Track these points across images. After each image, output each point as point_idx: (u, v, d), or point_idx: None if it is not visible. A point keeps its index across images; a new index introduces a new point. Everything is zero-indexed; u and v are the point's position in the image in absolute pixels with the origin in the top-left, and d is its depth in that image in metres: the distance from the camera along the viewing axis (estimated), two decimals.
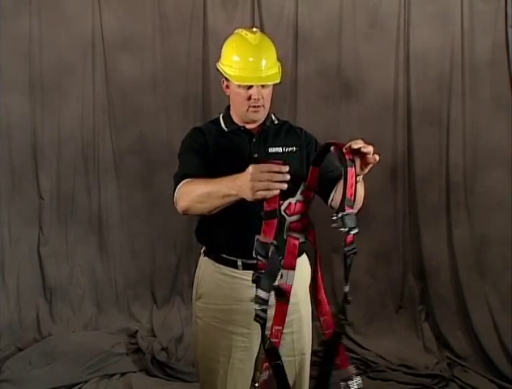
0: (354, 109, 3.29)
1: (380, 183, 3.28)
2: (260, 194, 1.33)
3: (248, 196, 1.36)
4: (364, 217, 3.30)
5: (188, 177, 1.61)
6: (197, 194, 1.54)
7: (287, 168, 1.31)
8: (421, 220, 3.27)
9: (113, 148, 3.37)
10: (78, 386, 2.81)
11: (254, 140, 1.74)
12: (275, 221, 1.38)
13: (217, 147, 1.72)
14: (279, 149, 1.73)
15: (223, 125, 1.78)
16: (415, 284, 3.29)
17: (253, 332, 1.70)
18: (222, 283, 1.73)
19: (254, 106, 1.70)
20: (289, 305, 1.64)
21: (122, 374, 2.93)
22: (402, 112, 3.27)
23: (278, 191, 1.32)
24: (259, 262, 1.37)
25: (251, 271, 1.62)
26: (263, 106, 1.72)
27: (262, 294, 1.36)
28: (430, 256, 3.25)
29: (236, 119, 1.77)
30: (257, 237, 1.37)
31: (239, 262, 1.70)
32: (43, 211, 3.34)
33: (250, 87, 1.69)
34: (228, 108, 1.80)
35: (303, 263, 1.78)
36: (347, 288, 1.43)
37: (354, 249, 1.37)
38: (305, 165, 1.72)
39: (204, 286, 1.77)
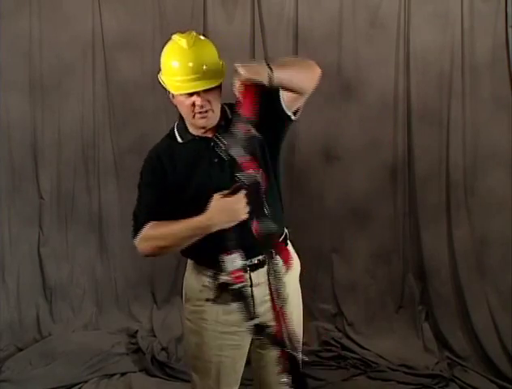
0: (354, 108, 3.29)
1: (380, 183, 3.28)
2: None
3: (225, 225, 1.53)
4: (364, 217, 3.33)
5: (149, 220, 1.68)
6: (171, 240, 1.63)
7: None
8: (421, 220, 3.26)
9: (113, 148, 3.37)
10: (78, 386, 2.81)
11: (212, 144, 1.67)
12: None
13: (175, 162, 1.69)
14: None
15: (178, 137, 1.73)
16: (415, 284, 3.29)
17: (242, 330, 1.69)
18: (208, 284, 1.71)
19: (200, 112, 1.61)
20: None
21: (122, 374, 2.93)
22: (402, 112, 3.26)
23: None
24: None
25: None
26: (212, 110, 1.63)
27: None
28: (430, 256, 3.25)
29: (190, 128, 1.71)
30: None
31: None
32: (43, 211, 3.34)
33: (192, 94, 1.60)
34: (180, 120, 1.74)
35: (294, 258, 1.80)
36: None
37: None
38: (268, 131, 1.62)
39: (191, 289, 1.77)
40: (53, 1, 3.28)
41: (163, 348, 3.10)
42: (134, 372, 2.95)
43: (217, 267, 1.62)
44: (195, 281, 1.76)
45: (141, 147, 3.33)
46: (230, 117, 1.69)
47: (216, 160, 1.66)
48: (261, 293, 1.70)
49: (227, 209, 1.53)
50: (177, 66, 1.61)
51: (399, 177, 3.30)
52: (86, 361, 2.96)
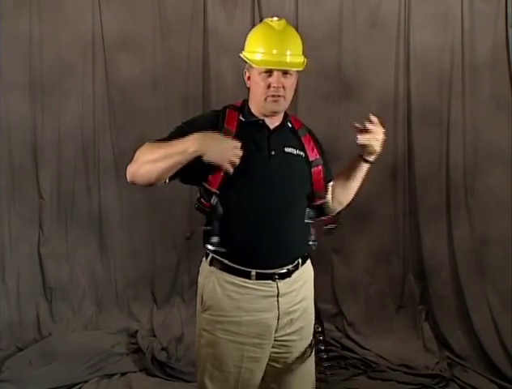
0: (354, 108, 3.29)
1: (380, 183, 3.27)
2: (228, 166, 1.55)
3: (214, 157, 1.54)
4: (364, 217, 3.33)
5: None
6: (156, 152, 1.57)
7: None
8: (421, 220, 3.26)
9: (113, 148, 3.37)
10: (78, 386, 2.81)
11: (272, 137, 1.68)
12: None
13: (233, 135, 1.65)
14: (294, 150, 1.70)
15: (240, 114, 1.71)
16: (415, 284, 3.29)
17: (264, 342, 1.66)
18: (233, 293, 1.64)
19: (273, 95, 1.62)
20: (300, 311, 1.72)
21: (122, 374, 2.92)
22: (402, 112, 3.27)
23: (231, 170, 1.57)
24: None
25: (264, 281, 1.65)
26: (284, 97, 1.64)
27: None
28: (430, 256, 3.25)
29: (254, 111, 1.70)
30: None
31: (252, 273, 1.63)
32: (43, 211, 3.34)
33: (271, 74, 1.62)
34: (246, 101, 1.74)
35: (309, 266, 1.81)
36: None
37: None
38: (308, 171, 1.73)
39: (212, 298, 1.66)
40: (53, 1, 3.27)
41: (163, 348, 3.10)
42: (134, 372, 2.95)
43: (246, 276, 1.64)
44: (219, 289, 1.65)
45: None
46: (290, 125, 1.76)
47: (274, 153, 1.67)
48: (285, 304, 1.68)
49: (220, 143, 1.55)
50: (265, 45, 1.64)
51: (399, 177, 3.30)
52: (86, 361, 2.95)
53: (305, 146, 1.74)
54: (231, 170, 1.56)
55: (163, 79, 3.35)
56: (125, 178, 1.66)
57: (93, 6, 3.28)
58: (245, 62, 1.68)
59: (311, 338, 1.79)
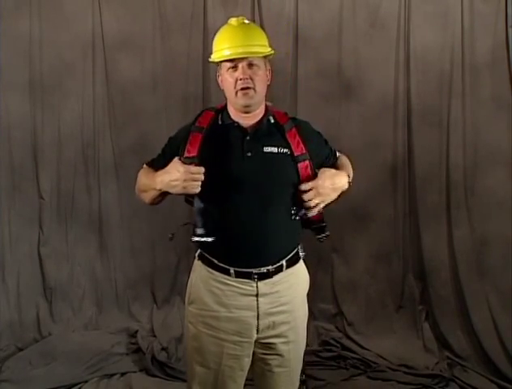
0: (354, 108, 3.29)
1: (380, 183, 3.27)
2: (191, 190, 1.58)
3: (174, 191, 1.61)
4: (364, 217, 3.33)
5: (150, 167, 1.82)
6: (142, 184, 1.80)
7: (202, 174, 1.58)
8: (421, 220, 3.26)
9: (113, 148, 3.37)
10: (78, 386, 2.80)
11: (248, 138, 1.68)
12: None
13: (209, 141, 1.68)
14: (275, 149, 1.67)
15: (219, 118, 1.73)
16: (415, 284, 3.29)
17: (244, 341, 1.68)
18: (215, 289, 1.69)
19: (243, 88, 1.63)
20: (285, 314, 1.70)
21: (122, 374, 2.92)
22: (402, 112, 3.26)
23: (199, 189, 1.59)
24: None
25: (244, 280, 1.65)
26: (254, 89, 1.64)
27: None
28: (430, 256, 3.25)
29: (232, 114, 1.72)
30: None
31: (231, 270, 1.66)
32: (43, 211, 3.34)
33: (236, 68, 1.64)
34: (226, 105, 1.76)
35: (300, 270, 1.77)
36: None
37: None
38: (296, 170, 1.69)
39: (197, 291, 1.72)
40: (53, 1, 3.27)
41: (163, 348, 3.10)
42: (134, 372, 2.94)
43: (226, 273, 1.66)
44: (202, 284, 1.71)
45: (141, 147, 3.34)
46: (272, 121, 1.74)
47: (250, 154, 1.66)
48: (266, 305, 1.68)
49: (170, 175, 1.61)
50: (223, 41, 1.67)
51: (399, 176, 3.30)
52: (86, 361, 2.95)
53: (290, 141, 1.69)
54: (195, 190, 1.59)
55: (163, 79, 3.35)
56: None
57: (93, 6, 3.28)
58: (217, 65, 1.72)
59: (303, 341, 1.80)
